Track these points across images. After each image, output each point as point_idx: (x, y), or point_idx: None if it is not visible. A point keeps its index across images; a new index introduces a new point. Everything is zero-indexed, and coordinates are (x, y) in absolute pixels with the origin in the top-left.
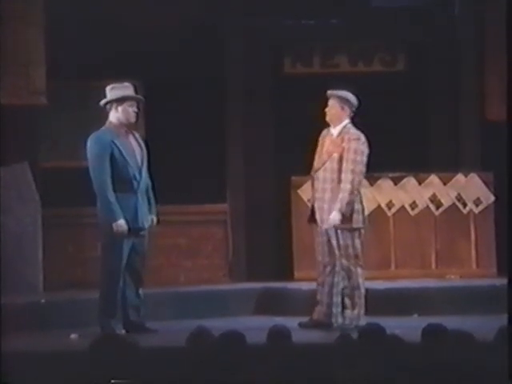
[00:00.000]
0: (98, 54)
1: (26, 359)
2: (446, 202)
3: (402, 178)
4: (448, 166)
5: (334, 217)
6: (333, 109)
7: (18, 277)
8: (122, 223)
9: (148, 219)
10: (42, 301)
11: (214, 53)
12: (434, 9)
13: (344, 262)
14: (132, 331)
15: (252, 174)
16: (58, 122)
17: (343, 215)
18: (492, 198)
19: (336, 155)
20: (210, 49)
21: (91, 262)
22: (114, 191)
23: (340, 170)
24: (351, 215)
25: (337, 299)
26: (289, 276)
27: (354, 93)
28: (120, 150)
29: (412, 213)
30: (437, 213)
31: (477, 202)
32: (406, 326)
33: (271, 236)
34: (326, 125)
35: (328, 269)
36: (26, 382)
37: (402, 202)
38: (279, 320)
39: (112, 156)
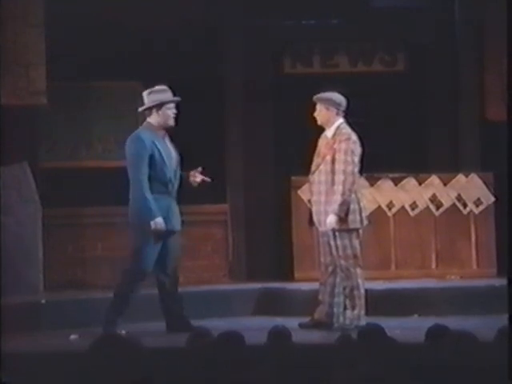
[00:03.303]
0: (98, 54)
1: (26, 359)
2: (446, 203)
3: (402, 179)
4: (448, 167)
5: (331, 220)
6: (320, 112)
7: (18, 277)
8: (160, 221)
9: (179, 221)
10: (42, 301)
11: (214, 53)
12: (434, 9)
13: (343, 262)
14: (178, 331)
15: (252, 174)
16: (57, 122)
17: (339, 217)
18: (492, 199)
19: (329, 157)
20: (210, 49)
21: (91, 261)
22: (150, 192)
23: (333, 172)
24: (347, 216)
25: (338, 299)
26: (289, 276)
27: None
28: (160, 152)
29: (412, 213)
30: (437, 213)
31: (477, 203)
32: (406, 327)
33: (271, 236)
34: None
35: (330, 269)
36: (26, 382)
37: (403, 203)
38: (279, 320)
39: (152, 157)
